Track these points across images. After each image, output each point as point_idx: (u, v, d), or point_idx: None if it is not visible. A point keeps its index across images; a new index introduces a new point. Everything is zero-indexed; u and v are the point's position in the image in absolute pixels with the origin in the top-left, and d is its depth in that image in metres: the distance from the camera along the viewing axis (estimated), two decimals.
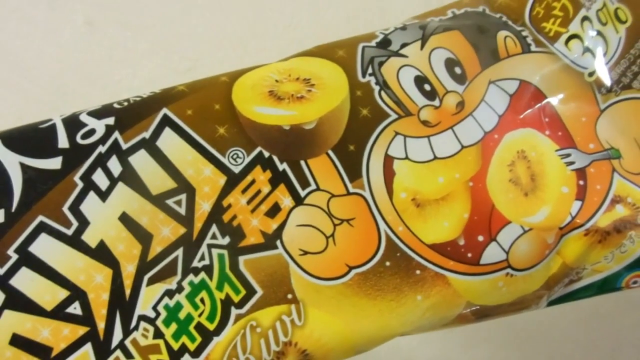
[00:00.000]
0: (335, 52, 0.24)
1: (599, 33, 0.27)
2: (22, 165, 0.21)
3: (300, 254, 0.22)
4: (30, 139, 0.22)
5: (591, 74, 0.26)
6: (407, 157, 0.23)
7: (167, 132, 0.22)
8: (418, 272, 0.23)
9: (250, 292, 0.21)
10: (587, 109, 0.26)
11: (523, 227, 0.23)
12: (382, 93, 0.24)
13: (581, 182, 0.25)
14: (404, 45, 0.25)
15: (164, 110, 0.22)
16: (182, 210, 0.22)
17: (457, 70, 0.25)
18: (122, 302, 0.21)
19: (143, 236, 0.21)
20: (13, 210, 0.21)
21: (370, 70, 0.24)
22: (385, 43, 0.25)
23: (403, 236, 0.23)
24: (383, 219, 0.23)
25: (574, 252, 0.24)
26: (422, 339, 0.40)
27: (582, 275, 0.25)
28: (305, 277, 0.22)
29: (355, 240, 0.22)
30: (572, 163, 0.25)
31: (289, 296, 0.22)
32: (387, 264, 0.22)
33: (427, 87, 0.24)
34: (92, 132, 0.22)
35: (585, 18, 0.27)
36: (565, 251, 0.24)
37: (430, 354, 0.40)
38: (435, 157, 0.24)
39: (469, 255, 0.23)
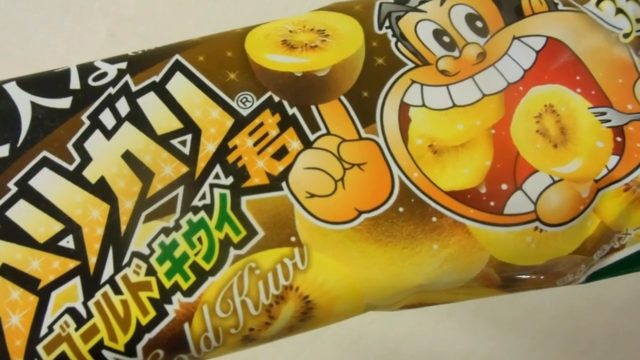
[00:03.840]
0: (352, 7, 0.21)
1: None
2: (33, 104, 0.18)
3: (307, 196, 0.17)
4: (44, 81, 0.19)
5: (627, 35, 0.21)
6: (424, 105, 0.19)
7: (178, 76, 0.19)
8: (434, 219, 0.18)
9: (251, 233, 0.17)
10: (623, 70, 0.21)
11: (552, 177, 0.18)
12: (399, 44, 0.20)
13: (618, 139, 0.19)
14: (422, 2, 0.21)
15: (176, 56, 0.19)
16: (186, 150, 0.18)
17: (479, 24, 0.20)
18: (116, 238, 0.17)
19: (144, 174, 0.17)
20: (18, 145, 0.18)
21: (387, 24, 0.20)
22: (403, 0, 0.21)
23: (418, 182, 0.18)
24: (397, 164, 0.18)
25: (613, 210, 0.19)
26: (409, 333, 0.34)
27: (625, 243, 0.19)
28: (311, 220, 0.17)
29: (366, 184, 0.18)
30: (607, 121, 0.20)
31: (293, 239, 0.17)
32: (401, 209, 0.18)
33: (446, 39, 0.20)
34: (103, 75, 0.19)
35: None
36: (603, 209, 0.19)
37: (417, 346, 0.34)
38: (455, 105, 0.19)
39: (492, 203, 0.18)
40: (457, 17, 0.21)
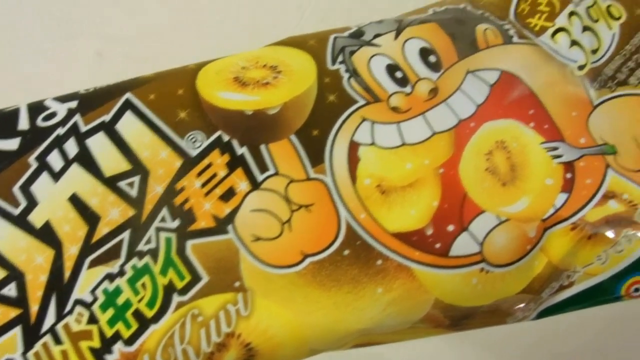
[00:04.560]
0: (307, 41, 0.20)
1: (589, 28, 0.21)
2: None
3: (253, 239, 0.17)
4: None
5: (581, 68, 0.20)
6: (373, 143, 0.18)
7: (128, 115, 0.18)
8: (379, 262, 0.17)
9: (196, 278, 0.16)
10: (577, 104, 0.20)
11: (499, 217, 0.17)
12: (352, 80, 0.19)
13: (568, 175, 0.18)
14: (377, 36, 0.20)
15: (127, 95, 0.18)
16: (133, 192, 0.17)
17: (432, 58, 0.19)
18: (59, 285, 0.16)
19: (90, 217, 0.17)
20: None
21: (340, 59, 0.19)
22: (358, 34, 0.20)
23: (365, 224, 0.17)
24: (344, 205, 0.17)
25: (560, 249, 0.18)
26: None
27: (574, 280, 0.19)
28: (256, 265, 0.17)
29: (313, 226, 0.17)
30: (559, 156, 0.19)
31: (237, 284, 0.16)
32: (346, 252, 0.17)
33: (398, 74, 0.19)
34: (53, 114, 0.18)
35: (573, 13, 0.21)
36: (551, 248, 0.18)
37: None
38: (404, 143, 0.18)
39: (438, 245, 0.17)
40: (411, 51, 0.20)
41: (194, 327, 0.16)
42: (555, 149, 0.19)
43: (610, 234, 0.19)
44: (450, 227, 0.18)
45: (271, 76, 0.19)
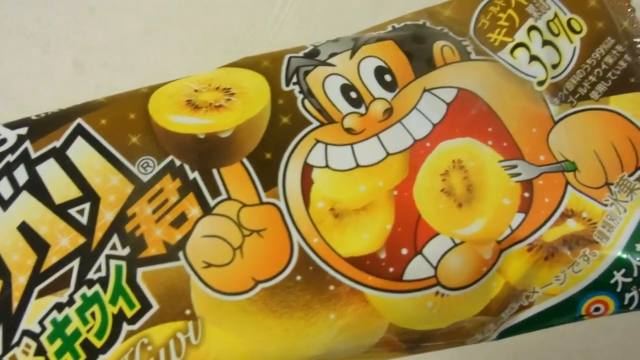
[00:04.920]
0: (261, 62, 0.20)
1: (550, 43, 0.21)
2: None
3: (204, 266, 0.17)
4: None
5: (541, 83, 0.21)
6: (327, 166, 0.18)
7: (79, 141, 0.18)
8: (332, 287, 0.17)
9: (146, 306, 0.17)
10: (538, 120, 0.20)
11: (454, 240, 0.18)
12: (306, 101, 0.19)
13: (526, 194, 0.19)
14: (332, 55, 0.20)
15: (78, 120, 0.18)
16: (83, 220, 0.17)
17: (387, 77, 0.20)
18: (7, 316, 0.16)
19: (40, 246, 0.17)
20: None
21: (294, 79, 0.19)
22: (313, 53, 0.20)
23: (317, 248, 0.17)
24: (297, 229, 0.17)
25: (517, 271, 0.18)
26: None
27: (533, 301, 0.19)
28: (207, 292, 0.17)
29: (265, 252, 0.17)
30: (517, 174, 0.19)
31: (187, 312, 0.17)
32: (298, 278, 0.17)
33: (353, 94, 0.19)
34: (3, 141, 0.18)
35: (533, 27, 0.21)
36: (508, 269, 0.18)
37: None
38: (358, 165, 0.18)
39: (391, 269, 0.17)
40: (366, 70, 0.20)
41: (143, 357, 0.16)
42: (513, 167, 0.19)
43: (567, 254, 0.19)
44: (404, 251, 0.18)
45: (224, 98, 0.19)
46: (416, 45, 0.21)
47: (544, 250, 0.18)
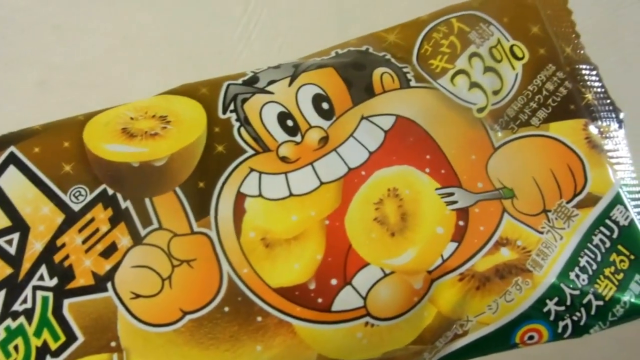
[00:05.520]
0: (199, 89, 0.20)
1: (492, 69, 0.22)
2: None
3: (132, 297, 0.18)
4: None
5: (481, 110, 0.21)
6: (260, 195, 0.19)
7: (11, 170, 0.19)
8: (259, 319, 0.18)
9: (71, 338, 0.17)
10: (477, 146, 0.21)
11: (384, 270, 0.18)
12: (242, 129, 0.20)
13: (461, 223, 0.19)
14: (271, 83, 0.21)
15: (11, 149, 0.19)
16: (12, 250, 0.18)
17: (325, 105, 0.20)
18: None
19: None
20: None
21: (232, 107, 0.20)
22: (252, 81, 0.21)
23: (247, 279, 0.18)
24: (227, 259, 0.18)
25: (448, 300, 0.19)
26: None
27: (467, 329, 0.20)
28: (134, 323, 0.17)
29: (194, 282, 0.18)
30: (453, 202, 0.20)
31: (113, 344, 0.17)
32: (226, 309, 0.18)
33: (289, 122, 0.20)
34: None
35: (474, 54, 0.22)
36: (439, 299, 0.19)
37: None
38: (291, 194, 0.19)
39: (320, 300, 0.18)
40: (304, 98, 0.21)
41: None
42: (450, 194, 0.20)
43: (500, 284, 0.19)
44: (334, 281, 0.18)
45: (160, 126, 0.20)
46: (356, 72, 0.21)
47: (476, 279, 0.19)
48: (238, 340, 0.17)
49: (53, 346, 0.17)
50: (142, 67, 0.37)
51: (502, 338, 0.20)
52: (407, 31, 0.23)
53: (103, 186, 0.19)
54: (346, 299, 0.18)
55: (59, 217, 0.18)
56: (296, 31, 0.39)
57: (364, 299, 0.18)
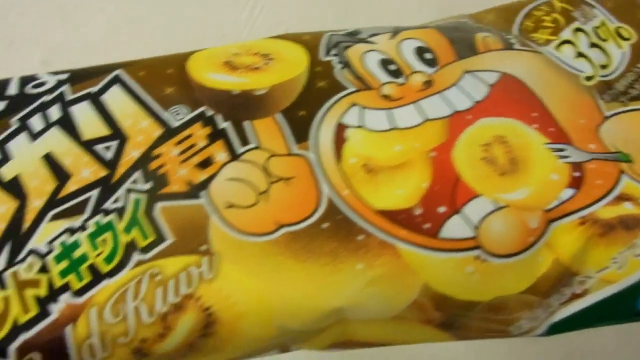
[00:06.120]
0: (301, 36, 0.21)
1: (597, 46, 0.22)
2: None
3: (226, 206, 0.17)
4: None
5: (589, 79, 0.21)
6: (362, 126, 0.19)
7: (115, 88, 0.19)
8: (361, 237, 0.17)
9: (160, 238, 0.16)
10: (586, 111, 0.21)
11: (496, 203, 0.17)
12: (344, 70, 0.20)
13: (576, 174, 0.18)
14: (373, 35, 0.21)
15: (118, 71, 0.20)
16: (108, 155, 0.18)
17: (428, 55, 0.21)
18: (16, 234, 0.16)
19: (61, 174, 0.18)
20: None
21: (334, 52, 0.21)
22: (354, 33, 0.22)
23: (347, 199, 0.17)
24: (327, 181, 0.18)
25: (568, 246, 0.18)
26: None
27: (587, 288, 0.18)
28: (226, 230, 0.17)
29: (291, 199, 0.17)
30: (566, 157, 0.19)
31: (203, 247, 0.16)
32: (324, 226, 0.17)
33: (392, 67, 0.20)
34: (42, 83, 0.19)
35: (579, 30, 0.22)
36: (557, 243, 0.18)
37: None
38: (394, 128, 0.19)
39: (426, 226, 0.17)
40: (407, 48, 0.21)
41: (151, 286, 0.16)
42: (561, 150, 0.19)
43: (626, 235, 0.18)
44: (441, 209, 0.17)
45: (262, 62, 0.20)
46: (458, 33, 0.22)
47: (599, 226, 0.18)
48: (337, 256, 0.16)
49: (141, 244, 0.16)
50: (145, 49, 0.38)
51: (628, 302, 0.18)
52: (505, 12, 0.24)
53: (203, 108, 0.19)
54: (455, 228, 0.17)
55: (158, 131, 0.19)
56: (301, 17, 0.39)
57: (475, 229, 0.17)
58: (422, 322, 0.17)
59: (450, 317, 0.17)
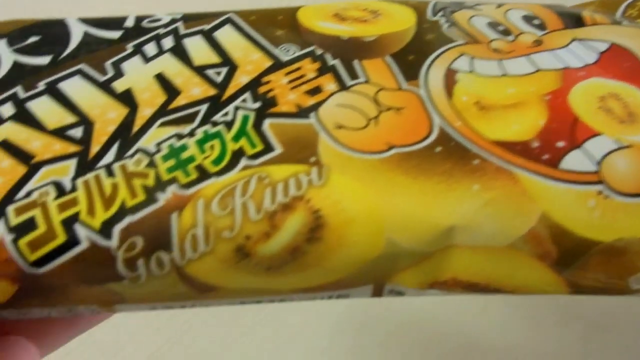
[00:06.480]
0: (408, 1, 0.22)
1: None
2: (85, 32, 0.20)
3: (335, 127, 0.17)
4: (102, 19, 0.20)
5: None
6: (472, 71, 0.19)
7: (227, 27, 0.20)
8: (476, 161, 0.16)
9: (268, 148, 0.16)
10: None
11: (620, 142, 0.17)
12: (451, 28, 0.20)
13: None
14: (478, 5, 0.22)
15: (229, 14, 0.21)
16: (218, 79, 0.18)
17: (536, 21, 0.21)
18: (125, 135, 0.17)
19: (171, 91, 0.18)
20: (60, 58, 0.19)
21: (441, 13, 0.21)
22: (459, 3, 0.22)
23: (460, 129, 0.17)
24: (438, 113, 0.17)
25: None
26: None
27: None
28: (336, 147, 0.16)
29: (402, 125, 0.17)
30: None
31: (312, 159, 0.16)
32: (438, 149, 0.16)
33: (500, 28, 0.20)
34: (158, 19, 0.20)
35: None
36: None
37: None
38: (506, 74, 0.19)
39: (546, 156, 0.16)
40: (513, 16, 0.21)
41: (259, 186, 0.15)
42: None
43: None
44: (560, 143, 0.17)
45: (370, 17, 0.21)
46: (563, 9, 0.22)
47: None
48: (452, 176, 0.16)
49: (249, 151, 0.16)
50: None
51: None
52: (605, 5, 0.24)
53: (312, 47, 0.19)
54: (576, 161, 0.16)
55: (267, 63, 0.19)
56: None
57: (598, 164, 0.16)
58: (536, 256, 0.16)
59: (567, 255, 0.16)
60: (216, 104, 0.18)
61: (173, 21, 0.20)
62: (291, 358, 0.37)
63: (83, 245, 0.14)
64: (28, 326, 0.18)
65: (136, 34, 0.20)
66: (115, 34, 0.20)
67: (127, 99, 0.18)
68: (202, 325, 0.38)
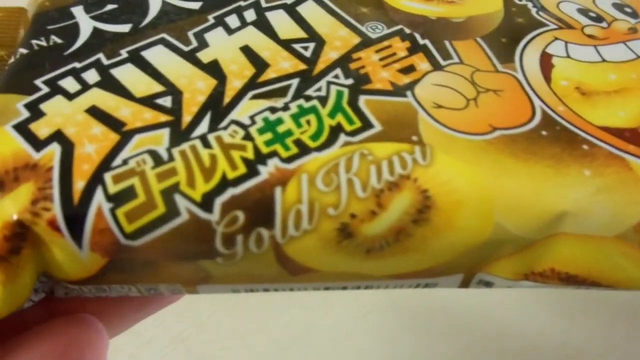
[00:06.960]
0: None
1: None
2: (164, 2, 0.19)
3: (434, 106, 0.16)
4: None
5: None
6: (568, 56, 0.18)
7: (309, 2, 0.19)
8: (585, 147, 0.16)
9: (367, 125, 0.16)
10: None
11: None
12: (540, 12, 0.20)
13: None
14: None
15: None
16: (307, 53, 0.18)
17: (627, 9, 0.20)
18: (217, 106, 0.16)
19: (259, 64, 0.17)
20: (140, 26, 0.18)
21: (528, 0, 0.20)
22: None
23: (564, 114, 0.16)
24: (538, 97, 0.17)
25: None
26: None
27: None
28: (437, 126, 0.16)
29: (503, 107, 0.16)
30: None
31: (414, 138, 0.15)
32: (544, 133, 0.16)
33: (592, 14, 0.20)
34: None
35: None
36: None
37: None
38: (604, 60, 0.18)
39: None
40: (603, 3, 0.21)
41: (363, 163, 0.15)
42: None
43: None
44: None
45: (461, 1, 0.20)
46: None
47: None
48: (561, 161, 0.15)
49: (347, 128, 0.16)
50: None
51: None
52: None
53: (400, 26, 0.19)
54: None
55: (356, 39, 0.18)
56: None
57: None
58: None
59: None
60: (307, 78, 0.17)
61: None
62: (316, 341, 0.36)
63: (183, 218, 0.14)
64: (99, 305, 0.18)
65: (216, 5, 0.19)
66: (194, 5, 0.19)
67: (214, 70, 0.17)
68: (226, 309, 0.38)
